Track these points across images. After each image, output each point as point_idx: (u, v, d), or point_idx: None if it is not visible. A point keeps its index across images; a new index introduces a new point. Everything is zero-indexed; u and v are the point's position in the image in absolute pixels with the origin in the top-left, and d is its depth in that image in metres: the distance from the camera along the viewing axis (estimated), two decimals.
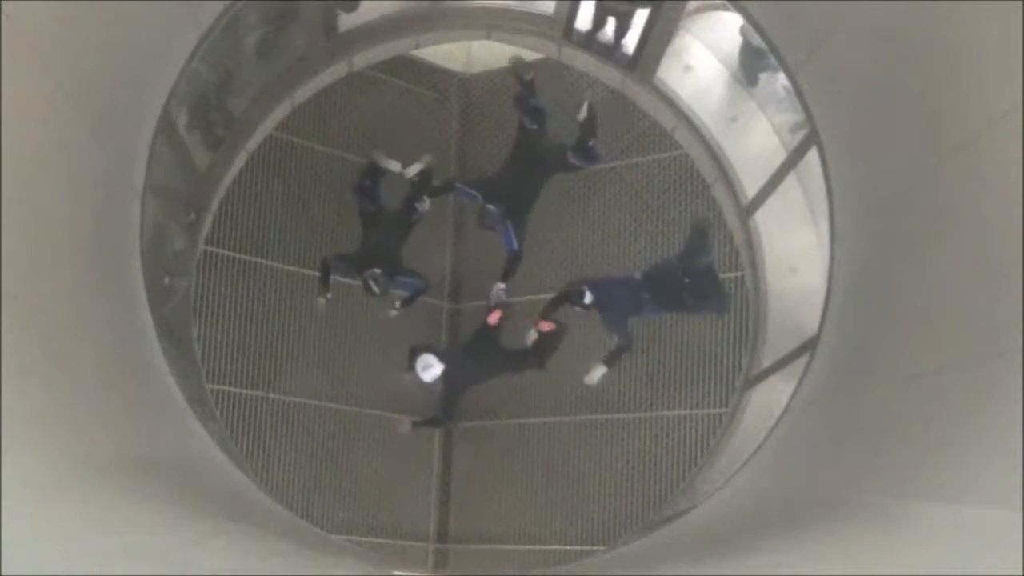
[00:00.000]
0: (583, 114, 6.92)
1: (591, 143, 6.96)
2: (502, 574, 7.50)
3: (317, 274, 7.13)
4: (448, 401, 6.84)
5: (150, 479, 3.32)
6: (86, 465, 2.84)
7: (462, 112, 8.47)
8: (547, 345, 6.89)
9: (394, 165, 6.97)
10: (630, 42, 7.10)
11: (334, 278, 7.08)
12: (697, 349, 7.44)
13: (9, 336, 2.48)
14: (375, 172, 7.00)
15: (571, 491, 7.69)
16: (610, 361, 6.77)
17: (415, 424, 7.02)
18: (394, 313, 7.24)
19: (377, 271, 6.72)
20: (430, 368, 6.45)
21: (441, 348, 7.21)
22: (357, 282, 6.95)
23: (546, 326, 6.79)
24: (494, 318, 6.91)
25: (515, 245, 7.06)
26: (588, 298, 6.45)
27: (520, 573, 7.49)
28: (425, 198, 6.99)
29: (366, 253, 6.90)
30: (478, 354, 6.96)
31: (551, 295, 7.35)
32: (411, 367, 6.53)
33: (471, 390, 7.05)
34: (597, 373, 6.75)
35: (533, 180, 7.14)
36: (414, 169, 7.00)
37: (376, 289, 6.76)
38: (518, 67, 7.06)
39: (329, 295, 7.02)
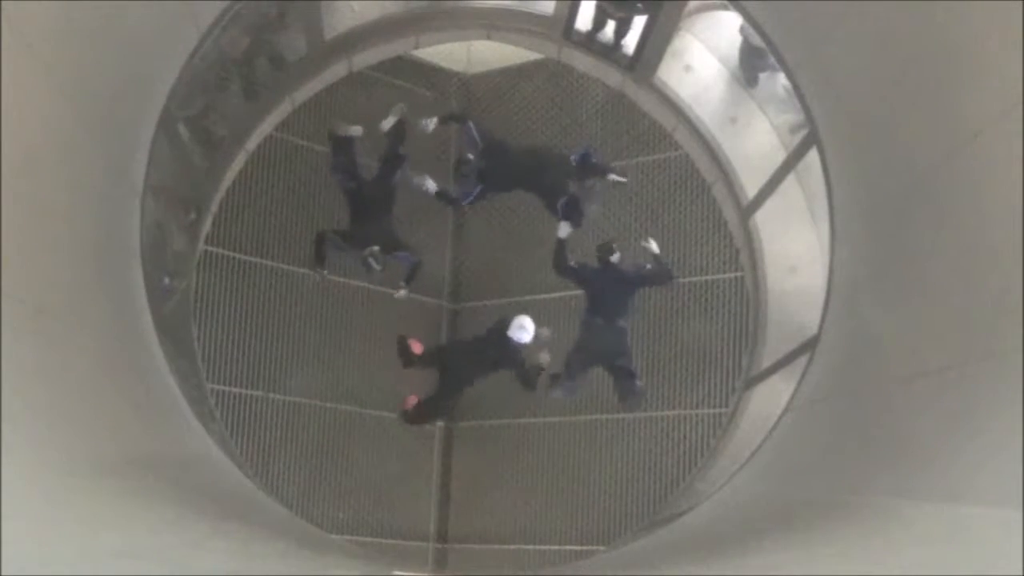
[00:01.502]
0: (591, 211, 7.05)
1: (571, 216, 7.00)
2: (502, 574, 7.49)
3: (312, 258, 7.18)
4: (443, 393, 6.99)
5: (150, 479, 3.32)
6: (86, 465, 2.84)
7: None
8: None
9: (355, 130, 6.89)
10: (630, 42, 7.10)
11: (335, 278, 7.09)
12: (697, 349, 7.44)
13: (9, 336, 2.48)
14: (344, 144, 6.95)
15: (571, 491, 7.69)
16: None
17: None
18: (403, 294, 7.27)
19: (375, 248, 6.73)
20: (523, 331, 6.55)
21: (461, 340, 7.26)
22: (352, 282, 6.96)
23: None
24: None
25: (465, 202, 7.14)
26: (616, 256, 6.71)
27: (520, 573, 7.49)
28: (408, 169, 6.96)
29: (359, 230, 6.90)
30: (483, 349, 7.04)
31: (552, 295, 7.40)
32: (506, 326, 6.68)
33: (468, 386, 7.16)
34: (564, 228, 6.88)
35: (525, 181, 7.15)
36: (389, 122, 6.94)
37: (376, 266, 6.78)
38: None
39: (326, 271, 7.02)
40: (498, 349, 6.87)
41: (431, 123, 6.97)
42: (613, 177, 7.10)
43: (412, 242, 7.36)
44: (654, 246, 6.81)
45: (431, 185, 7.02)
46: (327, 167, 7.24)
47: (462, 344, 7.52)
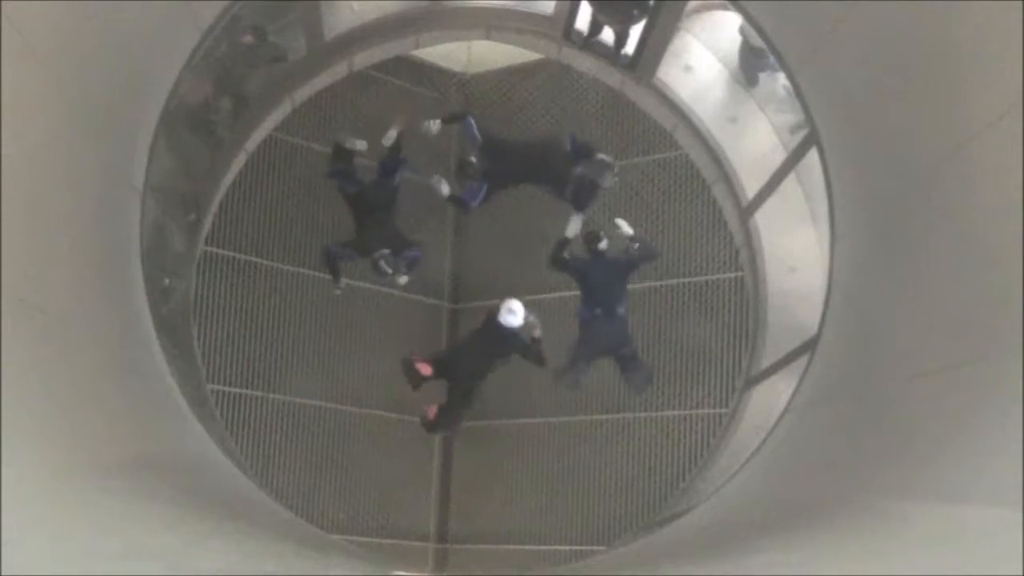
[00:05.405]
0: (607, 182, 6.95)
1: (582, 200, 6.99)
2: (502, 574, 7.49)
3: (324, 273, 7.18)
4: (456, 398, 6.93)
5: (150, 479, 3.32)
6: (86, 465, 2.84)
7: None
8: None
9: (360, 144, 6.92)
10: (630, 43, 7.10)
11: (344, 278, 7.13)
12: (697, 349, 7.44)
13: (9, 336, 2.48)
14: (345, 154, 6.96)
15: (571, 491, 7.69)
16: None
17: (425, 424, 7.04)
18: (404, 280, 7.28)
19: (386, 251, 6.73)
20: (512, 315, 6.49)
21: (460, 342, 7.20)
22: (352, 282, 6.95)
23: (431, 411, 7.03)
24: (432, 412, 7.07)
25: (473, 203, 7.03)
26: (604, 244, 6.72)
27: (520, 573, 7.49)
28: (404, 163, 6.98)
29: (365, 236, 6.90)
30: (483, 344, 7.03)
31: (553, 295, 7.39)
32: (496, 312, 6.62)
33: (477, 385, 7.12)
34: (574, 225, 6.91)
35: (526, 175, 7.13)
36: (391, 136, 6.94)
37: (388, 270, 6.79)
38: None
39: (343, 284, 7.08)
40: (497, 340, 6.87)
41: (435, 125, 6.97)
42: (601, 157, 7.06)
43: (414, 239, 7.36)
44: (626, 227, 6.84)
45: (445, 189, 7.04)
46: (324, 172, 7.23)
47: (462, 345, 7.50)
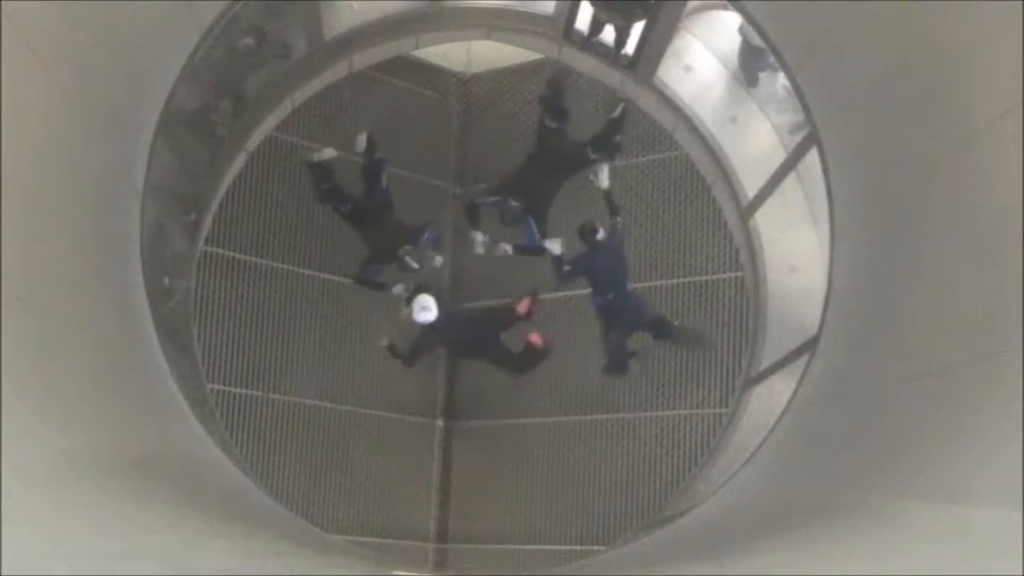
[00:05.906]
0: (617, 113, 7.11)
1: (616, 137, 7.12)
2: (502, 574, 7.49)
3: (371, 291, 7.31)
4: (418, 347, 7.00)
5: (150, 479, 3.32)
6: (86, 465, 2.84)
7: (462, 112, 8.48)
8: (530, 358, 7.12)
9: (328, 152, 6.95)
10: (630, 43, 7.10)
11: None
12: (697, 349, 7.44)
13: (9, 336, 2.48)
14: (323, 171, 6.98)
15: (571, 491, 7.69)
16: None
17: (389, 348, 7.11)
18: (439, 260, 7.35)
19: (408, 247, 6.76)
20: (426, 311, 6.51)
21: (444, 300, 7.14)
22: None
23: (536, 339, 7.03)
24: (524, 307, 7.02)
25: (538, 241, 7.15)
26: (600, 234, 6.76)
27: (520, 573, 7.49)
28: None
29: (378, 244, 6.93)
30: (475, 329, 7.13)
31: (552, 295, 7.39)
32: (409, 299, 6.64)
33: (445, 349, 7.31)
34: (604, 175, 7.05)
35: (553, 178, 7.24)
36: (361, 140, 7.00)
37: (415, 264, 6.83)
38: (557, 74, 7.15)
39: (398, 287, 7.12)
40: (444, 328, 6.89)
41: (479, 241, 7.22)
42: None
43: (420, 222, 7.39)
44: (605, 179, 6.95)
45: (508, 249, 7.18)
46: (313, 198, 7.27)
47: (448, 342, 7.53)
